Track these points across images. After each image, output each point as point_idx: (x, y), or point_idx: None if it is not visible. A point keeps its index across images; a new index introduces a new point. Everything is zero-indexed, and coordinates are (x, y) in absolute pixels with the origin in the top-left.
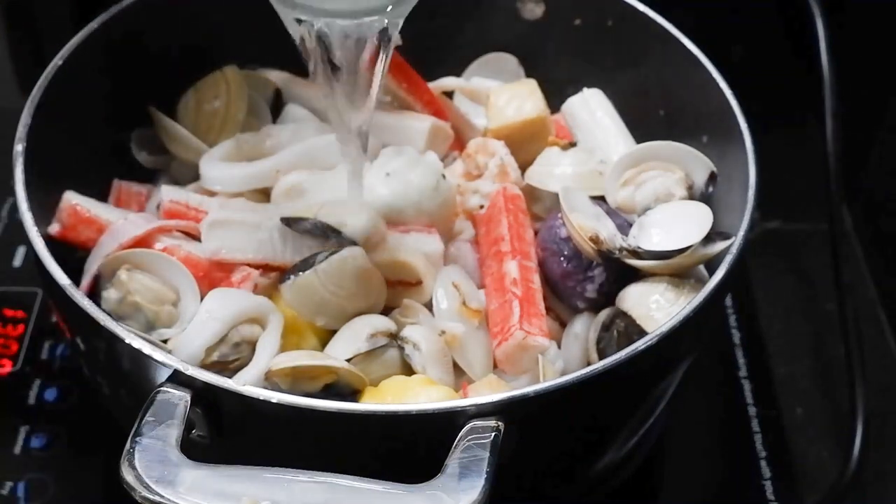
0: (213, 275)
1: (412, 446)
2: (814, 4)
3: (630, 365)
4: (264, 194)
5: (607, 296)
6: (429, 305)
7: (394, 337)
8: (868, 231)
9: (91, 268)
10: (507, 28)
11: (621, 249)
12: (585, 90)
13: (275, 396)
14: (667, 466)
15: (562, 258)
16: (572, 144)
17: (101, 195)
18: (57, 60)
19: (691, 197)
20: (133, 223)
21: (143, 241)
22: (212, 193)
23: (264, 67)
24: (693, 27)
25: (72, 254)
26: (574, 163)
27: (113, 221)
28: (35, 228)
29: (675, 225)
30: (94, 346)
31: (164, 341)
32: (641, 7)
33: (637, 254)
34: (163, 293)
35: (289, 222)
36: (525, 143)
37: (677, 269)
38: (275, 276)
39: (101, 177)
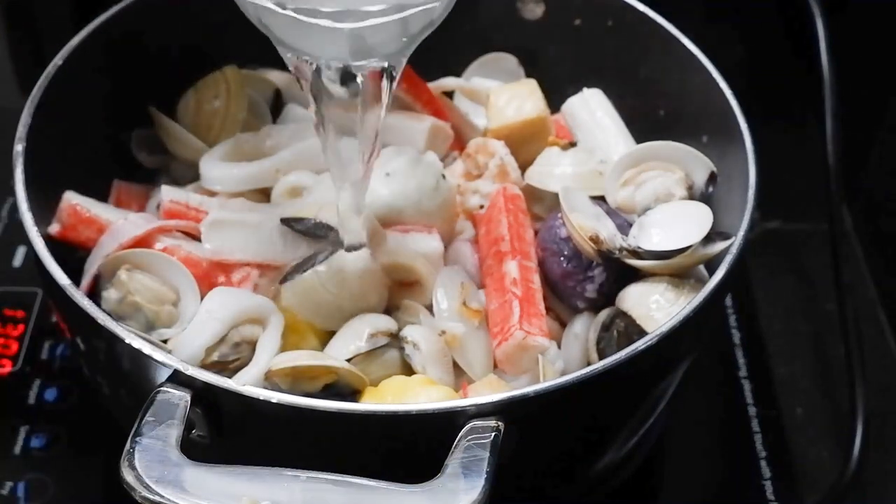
0: (213, 275)
1: (412, 446)
2: (814, 4)
3: (630, 365)
4: (264, 194)
5: (607, 296)
6: (429, 306)
7: (394, 337)
8: (868, 231)
9: (91, 268)
10: (507, 28)
11: (621, 249)
12: (585, 90)
13: (275, 396)
14: (667, 466)
15: (562, 258)
16: (572, 144)
17: (101, 195)
18: (57, 60)
19: (691, 197)
20: (133, 223)
21: (143, 241)
22: (212, 193)
23: (264, 67)
24: (693, 27)
25: (72, 254)
26: (574, 163)
27: (113, 221)
28: (35, 228)
29: (675, 225)
30: (94, 346)
31: (164, 341)
32: (641, 7)
33: (637, 254)
34: (163, 293)
35: (289, 222)
36: (525, 143)
37: (677, 269)
38: (275, 276)
39: (101, 177)
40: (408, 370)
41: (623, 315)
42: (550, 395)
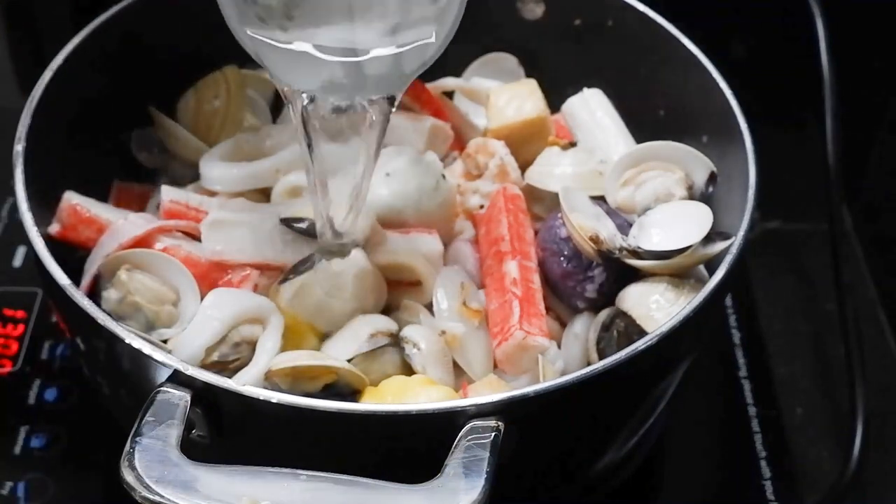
0: (213, 275)
1: (412, 446)
2: (814, 4)
3: (630, 365)
4: (264, 194)
5: (607, 296)
6: (429, 306)
7: (394, 337)
8: (868, 231)
9: (91, 268)
10: (507, 28)
11: (621, 249)
12: (585, 90)
13: (275, 396)
14: (667, 466)
15: (562, 258)
16: (572, 144)
17: (101, 195)
18: (57, 60)
19: (691, 197)
20: (133, 223)
21: (143, 241)
22: (212, 193)
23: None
24: (693, 27)
25: (72, 254)
26: (574, 163)
27: (113, 221)
28: (35, 228)
29: (675, 225)
30: (94, 346)
31: (164, 341)
32: (641, 7)
33: (637, 254)
34: (163, 293)
35: (289, 222)
36: (525, 143)
37: (677, 269)
38: (275, 276)
39: (101, 177)
40: (408, 370)
41: (623, 315)
42: (550, 395)
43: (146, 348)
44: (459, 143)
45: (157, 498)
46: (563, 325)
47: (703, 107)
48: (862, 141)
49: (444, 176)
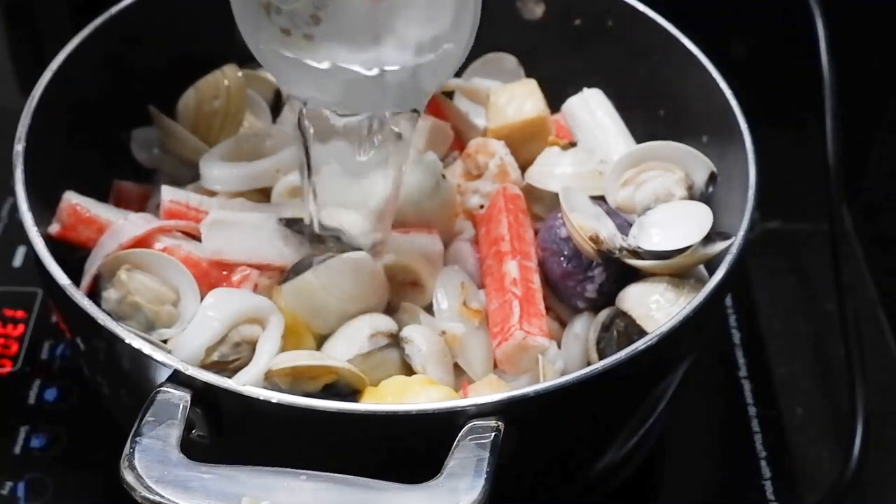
0: (213, 275)
1: (412, 446)
2: (814, 4)
3: (630, 365)
4: (264, 194)
5: (607, 296)
6: (429, 306)
7: (394, 337)
8: (868, 231)
9: (91, 268)
10: (507, 28)
11: (621, 249)
12: (585, 90)
13: (275, 396)
14: (667, 466)
15: (562, 258)
16: (572, 144)
17: (101, 195)
18: (57, 60)
19: (691, 197)
20: (133, 223)
21: (143, 241)
22: (212, 193)
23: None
24: (693, 27)
25: (72, 254)
26: (574, 163)
27: (113, 221)
28: (35, 228)
29: (675, 225)
30: (94, 346)
31: (164, 341)
32: (641, 7)
33: (637, 254)
34: (163, 293)
35: (289, 223)
36: (525, 143)
37: (677, 269)
38: (275, 276)
39: (101, 177)
40: (408, 370)
41: (623, 315)
42: (550, 395)
43: (146, 348)
44: (459, 143)
45: (157, 498)
46: (563, 325)
47: (703, 107)
48: (862, 141)
49: (444, 176)
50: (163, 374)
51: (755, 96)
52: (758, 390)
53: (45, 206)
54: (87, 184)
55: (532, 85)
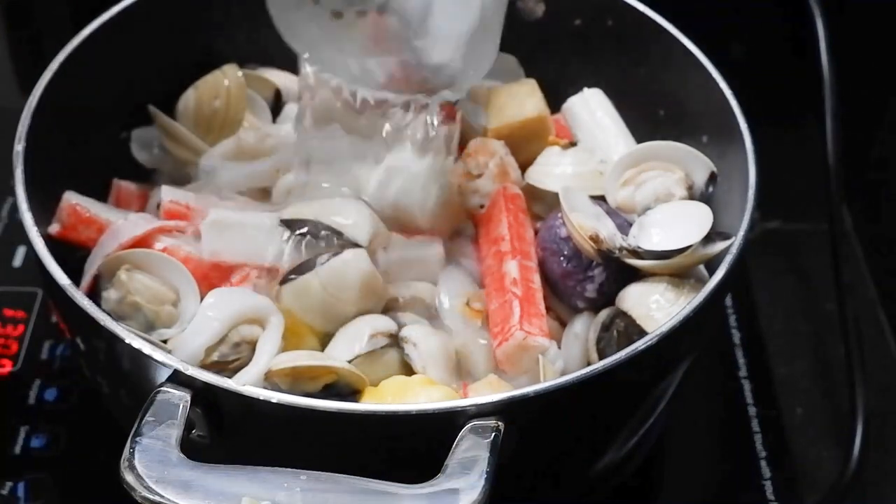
0: (212, 275)
1: (412, 446)
2: (814, 4)
3: (630, 365)
4: (264, 194)
5: (607, 296)
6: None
7: (394, 337)
8: (868, 231)
9: (91, 268)
10: (507, 28)
11: (621, 249)
12: (585, 90)
13: (275, 396)
14: (667, 466)
15: (562, 258)
16: (572, 144)
17: (101, 195)
18: (57, 60)
19: (691, 197)
20: (133, 223)
21: (143, 241)
22: (212, 193)
23: (264, 67)
24: (693, 27)
25: (72, 254)
26: (574, 163)
27: (113, 221)
28: (35, 228)
29: (675, 225)
30: (94, 346)
31: (164, 341)
32: (641, 7)
33: (637, 254)
34: (163, 293)
35: (289, 223)
36: (525, 143)
37: (677, 269)
38: (275, 276)
39: (101, 177)
40: (408, 370)
41: (623, 315)
42: (550, 395)
43: (146, 348)
44: (459, 143)
45: (157, 498)
46: (563, 325)
47: (703, 107)
48: (862, 141)
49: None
50: (163, 374)
51: (755, 96)
52: (758, 390)
53: (45, 206)
54: (87, 184)
55: (532, 85)
